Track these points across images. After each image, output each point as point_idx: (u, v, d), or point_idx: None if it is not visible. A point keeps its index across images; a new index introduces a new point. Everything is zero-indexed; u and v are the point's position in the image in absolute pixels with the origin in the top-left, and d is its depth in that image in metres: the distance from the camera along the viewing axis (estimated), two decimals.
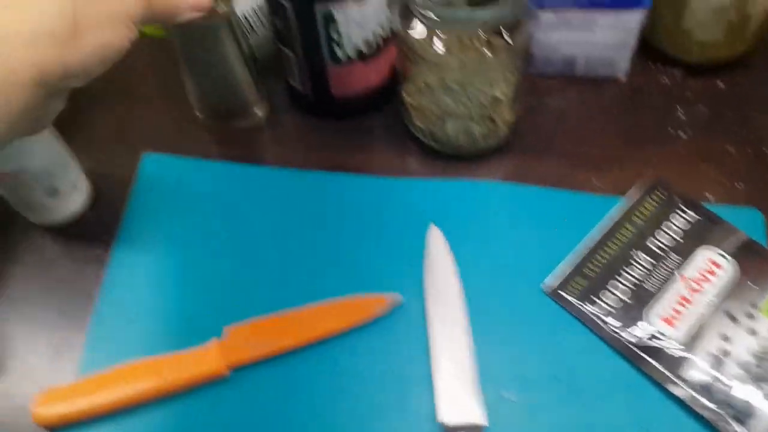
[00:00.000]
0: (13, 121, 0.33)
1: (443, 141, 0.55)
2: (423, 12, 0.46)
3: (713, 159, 0.55)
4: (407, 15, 0.49)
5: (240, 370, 0.47)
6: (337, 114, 0.59)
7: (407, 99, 0.55)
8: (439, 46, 0.49)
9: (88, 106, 0.61)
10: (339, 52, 0.52)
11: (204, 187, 0.56)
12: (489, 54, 0.48)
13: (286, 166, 0.57)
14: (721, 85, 0.60)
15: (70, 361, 0.48)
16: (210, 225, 0.54)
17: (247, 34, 0.58)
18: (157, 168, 0.57)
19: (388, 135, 0.58)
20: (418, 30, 0.49)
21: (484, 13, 0.46)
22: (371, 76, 0.56)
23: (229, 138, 0.59)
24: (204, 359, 0.46)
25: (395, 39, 0.53)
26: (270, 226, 0.54)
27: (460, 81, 0.50)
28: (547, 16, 0.55)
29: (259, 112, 0.59)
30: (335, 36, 0.51)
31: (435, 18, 0.46)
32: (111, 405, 0.45)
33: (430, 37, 0.49)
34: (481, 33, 0.48)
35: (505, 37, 0.48)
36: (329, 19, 0.49)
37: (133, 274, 0.52)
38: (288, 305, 0.49)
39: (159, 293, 0.51)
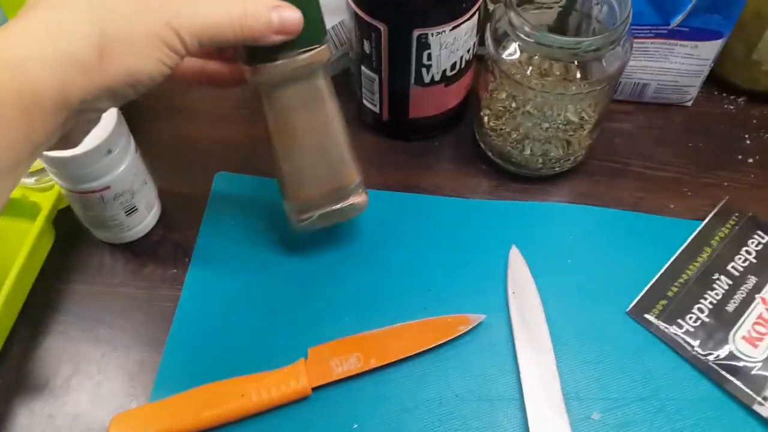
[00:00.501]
0: (37, 141, 0.32)
1: (519, 163, 0.56)
2: (524, 35, 0.48)
3: None
4: (501, 38, 0.50)
5: (320, 388, 0.47)
6: (410, 135, 0.60)
7: (488, 122, 0.56)
8: (530, 70, 0.50)
9: (153, 122, 0.62)
10: (426, 76, 0.53)
11: (277, 205, 0.56)
12: (579, 81, 0.49)
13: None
14: None
15: (145, 384, 0.48)
16: (288, 244, 0.54)
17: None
18: (229, 186, 0.58)
19: (458, 156, 0.60)
20: (511, 53, 0.51)
21: (583, 41, 0.47)
22: (449, 98, 0.57)
23: None
24: (291, 379, 0.47)
25: (478, 62, 0.54)
26: (347, 245, 0.54)
27: (544, 105, 0.51)
28: None
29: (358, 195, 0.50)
30: (426, 60, 0.51)
31: (535, 42, 0.48)
32: (191, 427, 0.45)
33: (522, 60, 0.50)
34: (574, 61, 0.49)
35: (595, 65, 0.49)
36: (423, 44, 0.50)
37: (209, 294, 0.52)
38: (369, 326, 0.50)
39: (235, 314, 0.51)
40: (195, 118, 0.63)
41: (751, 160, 0.58)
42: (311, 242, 0.54)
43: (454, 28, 0.50)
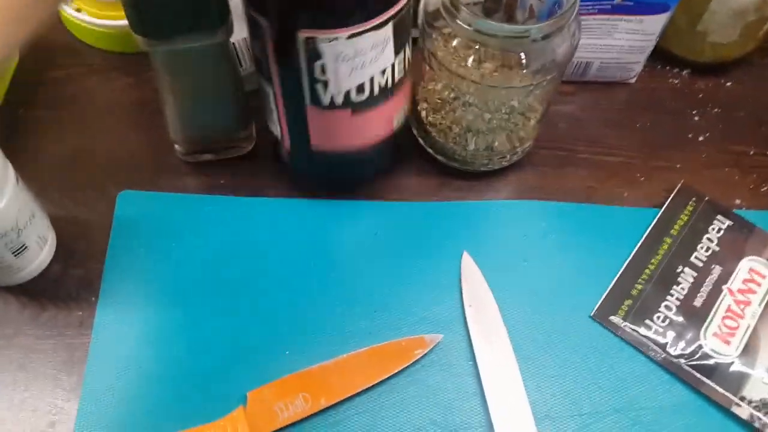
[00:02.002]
0: None
1: (464, 159, 0.51)
2: (464, 23, 0.42)
3: (735, 162, 0.54)
4: (433, 19, 0.45)
5: None
6: (318, 173, 0.51)
7: (426, 117, 0.51)
8: (471, 60, 0.45)
9: (41, 142, 0.53)
10: (323, 96, 0.42)
11: (195, 225, 0.50)
12: (522, 70, 0.44)
13: (285, 196, 0.51)
14: (728, 84, 0.59)
15: None
16: (209, 269, 0.48)
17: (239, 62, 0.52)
18: (136, 207, 0.50)
19: (395, 154, 0.54)
20: (449, 43, 0.45)
21: (531, 28, 0.42)
22: (363, 130, 0.46)
23: (210, 170, 0.52)
24: None
25: (402, 85, 0.45)
26: (278, 267, 0.48)
27: (486, 95, 0.46)
28: None
29: (247, 142, 0.53)
30: (319, 74, 0.40)
31: (475, 30, 0.42)
32: None
33: (458, 46, 0.45)
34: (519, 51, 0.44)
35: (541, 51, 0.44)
36: (313, 52, 0.39)
37: (124, 337, 0.45)
38: (314, 360, 0.44)
39: (157, 358, 0.44)
40: (87, 130, 0.54)
41: (701, 138, 0.55)
42: (237, 268, 0.48)
43: (352, 36, 0.38)
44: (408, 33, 0.43)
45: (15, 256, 0.43)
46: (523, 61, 0.44)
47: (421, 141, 0.53)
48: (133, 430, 0.42)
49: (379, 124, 0.46)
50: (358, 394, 0.43)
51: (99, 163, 0.52)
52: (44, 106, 0.55)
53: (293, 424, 0.42)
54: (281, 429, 0.42)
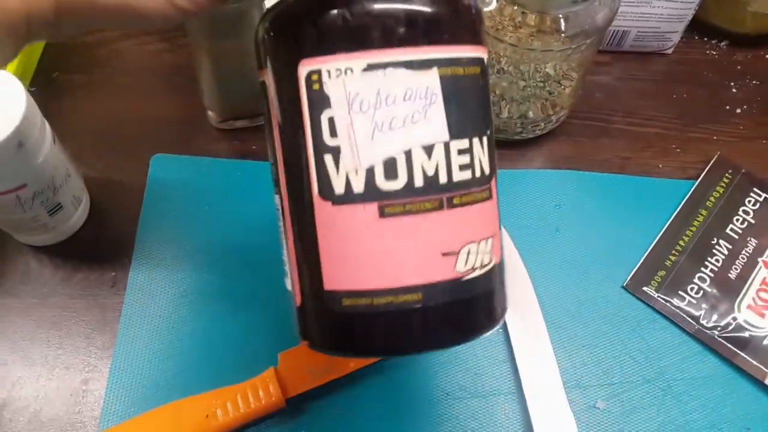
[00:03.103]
0: None
1: (497, 127, 0.51)
2: None
3: None
4: None
5: (295, 399, 0.41)
6: (342, 347, 0.29)
7: None
8: (506, 21, 0.44)
9: (75, 105, 0.54)
10: (334, 176, 0.26)
11: (226, 189, 0.49)
12: (562, 32, 0.44)
13: None
14: (767, 56, 0.57)
15: (91, 409, 0.41)
16: (240, 233, 0.48)
17: None
18: (169, 170, 0.51)
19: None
20: (486, 5, 0.44)
21: None
22: (401, 260, 0.26)
23: (241, 136, 0.52)
24: (261, 392, 0.41)
25: None
26: None
27: (519, 61, 0.46)
28: None
29: None
30: (328, 133, 0.26)
31: None
32: None
33: (497, 14, 0.44)
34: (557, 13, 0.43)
35: (579, 15, 0.44)
36: (318, 96, 0.25)
37: (156, 298, 0.45)
38: None
39: (190, 319, 0.44)
40: (121, 94, 0.54)
41: (739, 110, 0.54)
42: (268, 231, 0.48)
43: (371, 67, 0.25)
44: (484, 117, 0.28)
45: (50, 215, 0.44)
46: (562, 25, 0.43)
47: None
48: (165, 388, 0.42)
49: (427, 247, 0.26)
50: (387, 359, 0.43)
51: (132, 127, 0.52)
52: (78, 71, 0.55)
53: (323, 386, 0.42)
54: (311, 390, 0.42)
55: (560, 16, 0.43)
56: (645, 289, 0.46)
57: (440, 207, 0.26)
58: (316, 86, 0.25)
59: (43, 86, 0.54)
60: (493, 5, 0.44)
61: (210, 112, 0.51)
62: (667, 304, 0.46)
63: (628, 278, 0.47)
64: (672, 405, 0.43)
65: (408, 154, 0.25)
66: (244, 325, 0.44)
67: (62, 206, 0.44)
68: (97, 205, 0.48)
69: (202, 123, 0.52)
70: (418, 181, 0.26)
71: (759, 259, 0.47)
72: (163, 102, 0.54)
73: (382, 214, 0.26)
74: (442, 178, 0.26)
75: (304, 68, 0.25)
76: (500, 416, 0.42)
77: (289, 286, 0.30)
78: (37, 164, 0.40)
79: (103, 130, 0.52)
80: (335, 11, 0.25)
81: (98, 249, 0.47)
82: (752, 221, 0.48)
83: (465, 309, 0.27)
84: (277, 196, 0.29)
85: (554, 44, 0.44)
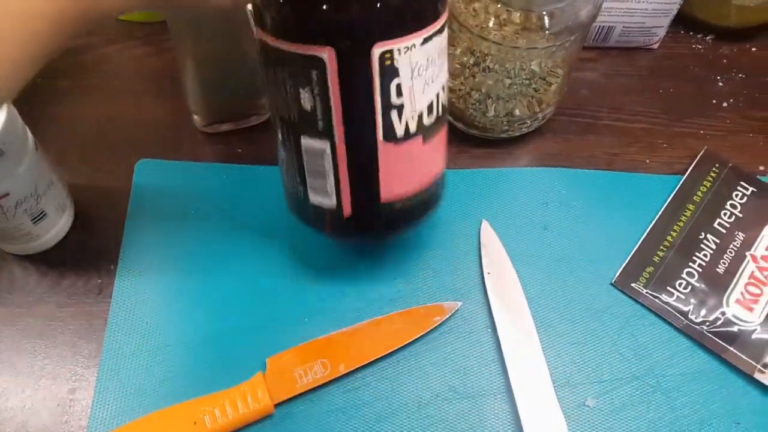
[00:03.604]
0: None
1: (483, 126, 0.51)
2: None
3: (760, 128, 0.53)
4: None
5: (283, 404, 0.41)
6: (383, 232, 0.42)
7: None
8: (492, 21, 0.44)
9: (59, 110, 0.53)
10: (398, 125, 0.35)
11: (212, 193, 0.49)
12: (546, 28, 0.44)
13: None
14: (753, 49, 0.57)
15: (78, 419, 0.41)
16: (227, 237, 0.47)
17: None
18: (154, 176, 0.50)
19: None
20: (470, 4, 0.44)
21: None
22: (432, 161, 0.39)
23: (227, 139, 0.52)
24: (249, 397, 0.40)
25: None
26: (300, 234, 0.47)
27: (505, 59, 0.46)
28: None
29: (266, 109, 0.52)
30: (395, 96, 0.34)
31: None
32: None
33: (477, 8, 0.44)
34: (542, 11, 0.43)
35: (564, 11, 0.43)
36: (389, 69, 0.33)
37: (143, 305, 0.45)
38: (333, 327, 0.44)
39: (176, 326, 0.44)
40: (105, 99, 0.54)
41: (725, 104, 0.54)
42: (255, 235, 0.48)
43: (426, 40, 0.34)
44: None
45: (34, 223, 0.43)
46: (546, 22, 0.43)
47: None
48: (153, 396, 0.42)
49: (440, 149, 0.41)
50: (376, 361, 0.43)
51: (117, 132, 0.52)
52: (63, 76, 0.55)
53: (312, 390, 0.42)
54: (300, 395, 0.41)
55: (544, 13, 0.43)
56: (633, 285, 0.46)
57: (445, 118, 0.39)
58: (388, 62, 0.33)
59: (26, 92, 0.53)
60: (477, 3, 0.44)
61: (195, 116, 0.51)
62: (656, 300, 0.45)
63: (617, 275, 0.46)
64: (662, 401, 0.43)
65: (437, 96, 0.37)
66: (231, 330, 0.44)
67: (46, 214, 0.44)
68: (83, 211, 0.48)
69: (187, 127, 0.52)
70: (440, 111, 0.38)
71: (747, 253, 0.47)
72: (147, 106, 0.54)
73: (424, 141, 0.37)
74: (445, 101, 0.39)
75: (378, 49, 0.33)
76: (490, 416, 0.42)
77: (329, 204, 0.39)
78: (19, 172, 0.40)
79: (88, 135, 0.52)
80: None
81: (84, 256, 0.47)
82: (740, 215, 0.48)
83: (441, 191, 0.43)
84: (315, 140, 0.36)
85: (539, 42, 0.44)
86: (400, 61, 0.34)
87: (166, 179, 0.50)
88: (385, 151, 0.36)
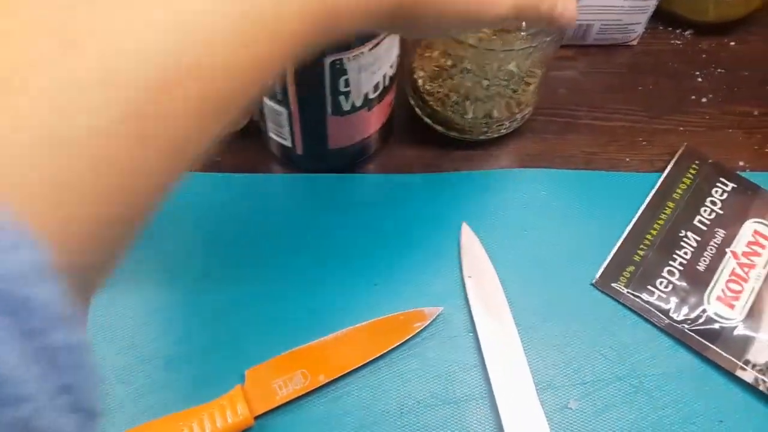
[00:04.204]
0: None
1: (462, 128, 0.50)
2: None
3: (739, 124, 0.53)
4: None
5: (263, 416, 0.41)
6: (330, 165, 0.50)
7: (422, 85, 0.50)
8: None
9: None
10: (344, 104, 0.43)
11: (188, 203, 0.48)
12: (523, 29, 0.43)
13: (280, 171, 0.50)
14: (731, 44, 0.57)
15: None
16: (203, 248, 0.47)
17: None
18: None
19: (396, 129, 0.53)
20: None
21: None
22: (373, 121, 0.47)
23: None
24: (228, 410, 0.40)
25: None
26: (276, 239, 0.47)
27: (483, 60, 0.45)
28: None
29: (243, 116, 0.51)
30: (343, 87, 0.41)
31: None
32: None
33: None
34: None
35: None
36: (338, 71, 0.40)
37: (119, 320, 0.44)
38: (312, 336, 0.44)
39: (153, 340, 0.44)
40: None
41: (704, 100, 0.54)
42: (232, 245, 0.47)
43: (374, 46, 0.40)
44: None
45: None
46: (522, 23, 0.43)
47: (418, 111, 0.52)
48: (131, 411, 0.41)
49: (384, 110, 0.47)
50: (357, 369, 0.43)
51: None
52: None
53: (292, 401, 0.42)
54: (280, 406, 0.41)
55: None
56: (614, 285, 0.46)
57: (393, 83, 0.46)
58: (338, 66, 0.39)
59: None
60: None
61: None
62: (637, 299, 0.45)
63: (597, 275, 0.46)
64: (644, 401, 0.43)
65: (384, 76, 0.43)
66: (208, 342, 0.44)
67: None
68: None
69: None
70: (387, 83, 0.44)
71: (727, 250, 0.47)
72: None
73: (369, 110, 0.44)
74: (395, 70, 0.44)
75: (329, 59, 0.39)
76: (472, 422, 0.42)
77: (286, 143, 0.47)
78: None
79: None
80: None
81: None
82: (720, 212, 0.48)
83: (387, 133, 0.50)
84: (274, 104, 0.44)
85: (516, 43, 0.43)
86: (349, 65, 0.39)
87: None
88: (333, 122, 0.44)
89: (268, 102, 0.44)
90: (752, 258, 0.47)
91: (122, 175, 0.19)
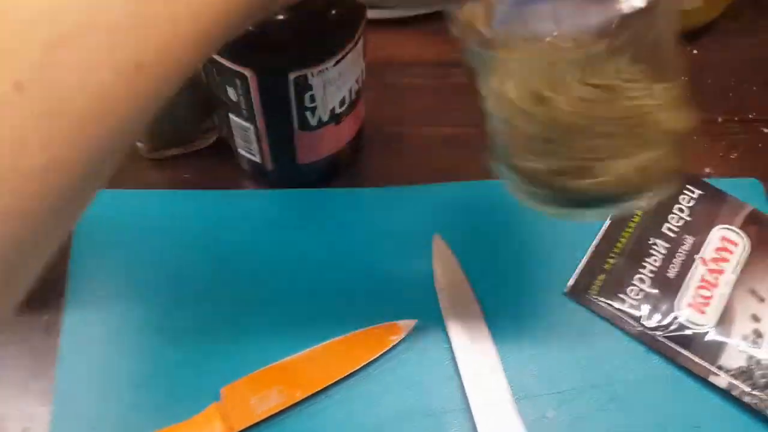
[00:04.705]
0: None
1: None
2: None
3: (704, 131, 0.54)
4: None
5: None
6: (301, 180, 0.50)
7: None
8: None
9: None
10: (311, 119, 0.42)
11: (160, 220, 0.48)
12: None
13: (251, 187, 0.50)
14: (693, 51, 0.58)
15: None
16: (176, 265, 0.46)
17: None
18: (98, 206, 0.48)
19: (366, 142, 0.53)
20: None
21: None
22: (342, 134, 0.47)
23: (173, 165, 0.51)
24: (204, 429, 0.40)
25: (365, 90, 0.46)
26: (247, 256, 0.47)
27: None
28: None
29: (211, 132, 0.51)
30: (309, 103, 0.41)
31: None
32: None
33: None
34: None
35: None
36: (303, 87, 0.39)
37: (94, 340, 0.44)
38: (288, 352, 0.43)
39: (129, 360, 0.43)
40: None
41: None
42: (204, 262, 0.47)
43: (338, 62, 0.39)
44: None
45: None
46: None
47: None
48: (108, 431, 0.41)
49: (355, 122, 0.47)
50: (334, 384, 0.43)
51: None
52: None
53: (269, 418, 0.41)
54: (257, 424, 0.41)
55: None
56: (586, 294, 0.46)
57: (360, 97, 0.45)
58: (302, 82, 0.39)
59: None
60: None
61: (139, 144, 0.50)
62: (609, 307, 0.46)
63: (569, 285, 0.47)
64: (620, 408, 0.43)
65: (350, 90, 0.42)
66: (183, 360, 0.43)
67: None
68: None
69: (131, 155, 0.51)
70: (353, 96, 0.43)
71: (696, 257, 0.47)
72: None
73: (337, 123, 0.44)
74: (361, 83, 0.44)
75: (293, 75, 0.38)
76: None
77: (255, 159, 0.47)
78: None
79: None
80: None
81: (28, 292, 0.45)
82: (688, 218, 0.49)
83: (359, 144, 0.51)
84: (241, 120, 0.43)
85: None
86: (314, 81, 0.39)
87: (111, 208, 0.48)
88: (300, 137, 0.44)
89: (234, 118, 0.43)
90: (721, 264, 0.47)
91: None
